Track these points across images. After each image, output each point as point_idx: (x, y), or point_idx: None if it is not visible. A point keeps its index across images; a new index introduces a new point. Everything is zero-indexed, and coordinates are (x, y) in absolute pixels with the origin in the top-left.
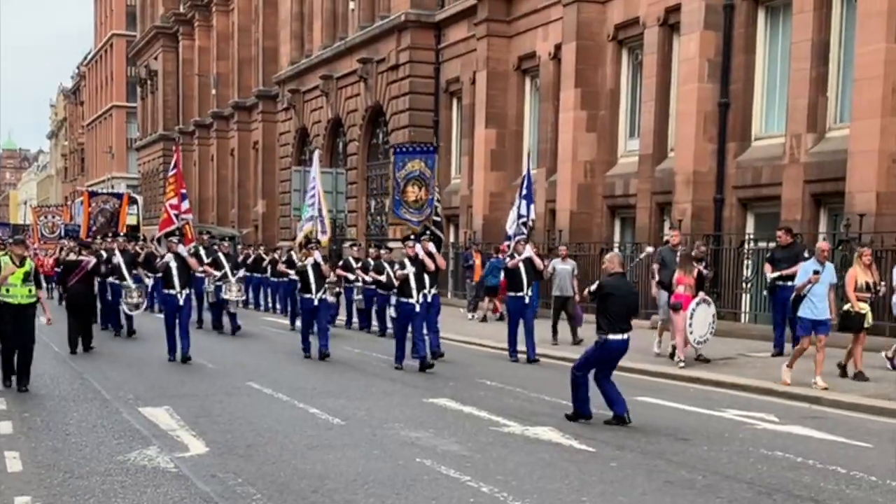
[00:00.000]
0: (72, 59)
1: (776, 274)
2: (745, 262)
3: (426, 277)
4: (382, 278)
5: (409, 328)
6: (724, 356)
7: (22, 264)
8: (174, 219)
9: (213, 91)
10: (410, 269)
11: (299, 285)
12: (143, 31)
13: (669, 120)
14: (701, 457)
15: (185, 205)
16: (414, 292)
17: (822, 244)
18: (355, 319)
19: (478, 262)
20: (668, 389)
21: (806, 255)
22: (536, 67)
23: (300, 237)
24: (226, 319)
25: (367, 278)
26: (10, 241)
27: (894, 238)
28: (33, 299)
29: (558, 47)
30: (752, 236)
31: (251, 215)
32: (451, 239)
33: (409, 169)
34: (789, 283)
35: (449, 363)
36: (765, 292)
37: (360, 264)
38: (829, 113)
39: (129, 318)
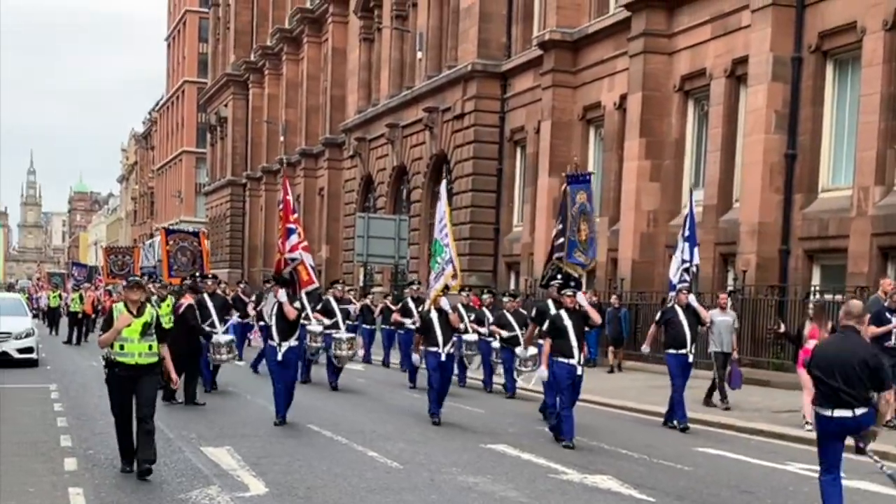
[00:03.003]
0: (143, 104)
1: (881, 330)
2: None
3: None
4: (505, 333)
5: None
6: (788, 409)
7: (140, 313)
8: (284, 259)
9: (282, 138)
10: (569, 322)
11: (422, 337)
12: (214, 78)
13: (735, 170)
14: None
15: (293, 240)
16: (575, 351)
17: None
18: (471, 374)
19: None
20: (730, 441)
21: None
22: (601, 117)
23: (441, 283)
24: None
25: (483, 330)
26: (124, 284)
27: None
28: (154, 358)
29: (624, 97)
30: (817, 288)
31: (316, 260)
32: (512, 286)
33: (579, 201)
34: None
35: (513, 410)
36: None
37: (473, 316)
38: None
39: (215, 370)
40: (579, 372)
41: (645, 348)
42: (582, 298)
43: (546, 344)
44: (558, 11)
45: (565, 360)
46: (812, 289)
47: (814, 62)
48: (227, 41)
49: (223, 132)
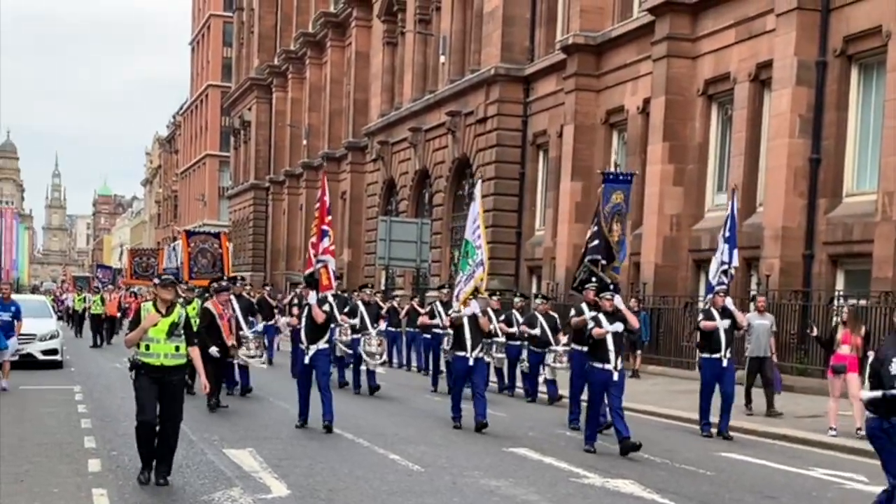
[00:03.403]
0: (167, 108)
1: None
2: (835, 318)
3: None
4: (536, 332)
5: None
6: (811, 414)
7: (168, 313)
8: (313, 261)
9: (304, 142)
10: (610, 327)
11: (451, 340)
12: (238, 82)
13: (759, 175)
14: None
15: (326, 243)
16: (612, 355)
17: None
18: (498, 379)
19: None
20: (753, 446)
21: None
22: (624, 121)
23: (471, 286)
24: (362, 378)
25: (513, 331)
26: (157, 282)
27: None
28: (181, 360)
29: (647, 101)
30: (841, 293)
31: (337, 263)
32: (534, 290)
33: (614, 201)
34: None
35: (534, 414)
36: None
37: (503, 317)
38: None
39: (246, 372)
40: (615, 377)
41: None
42: (620, 302)
43: (597, 329)
44: (582, 15)
45: (600, 365)
46: (836, 293)
47: (838, 66)
48: (251, 45)
49: (246, 136)
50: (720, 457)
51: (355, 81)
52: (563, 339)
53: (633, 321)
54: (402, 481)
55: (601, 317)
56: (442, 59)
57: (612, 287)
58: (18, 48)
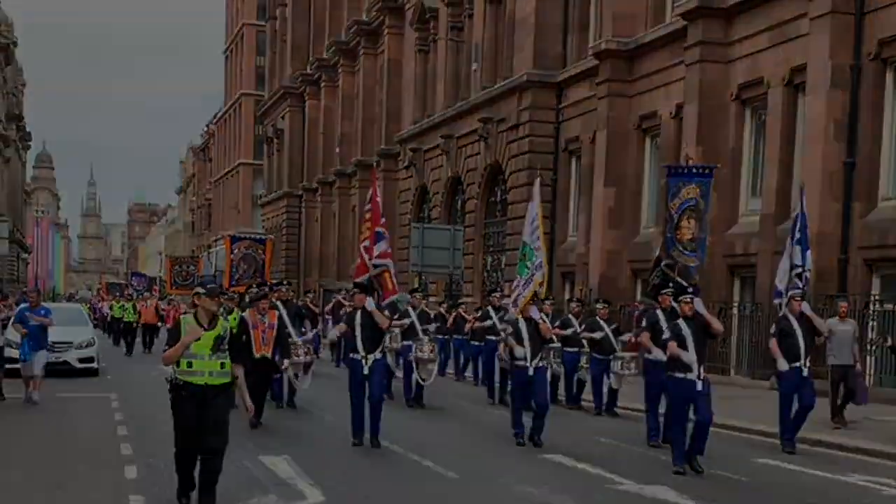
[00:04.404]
0: (201, 117)
1: None
2: (870, 323)
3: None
4: (598, 335)
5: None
6: (850, 419)
7: (211, 326)
8: (367, 265)
9: (337, 150)
10: (688, 332)
11: (507, 350)
12: (271, 91)
13: (793, 179)
14: None
15: (381, 246)
16: (695, 365)
17: None
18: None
19: None
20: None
21: None
22: (657, 126)
23: (529, 290)
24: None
25: (567, 332)
26: (203, 291)
27: None
28: (227, 378)
29: (680, 106)
30: (877, 297)
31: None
32: (567, 296)
33: (685, 196)
34: None
35: (568, 421)
36: None
37: (558, 322)
38: None
39: (289, 386)
40: (699, 387)
41: (783, 364)
42: (700, 305)
43: (672, 345)
44: (614, 21)
45: (682, 375)
46: (871, 298)
47: (873, 70)
48: (283, 54)
49: (280, 144)
50: (757, 463)
51: (388, 89)
52: (625, 337)
53: (717, 326)
54: (437, 488)
55: (681, 322)
56: (474, 66)
57: (690, 290)
58: (54, 58)
